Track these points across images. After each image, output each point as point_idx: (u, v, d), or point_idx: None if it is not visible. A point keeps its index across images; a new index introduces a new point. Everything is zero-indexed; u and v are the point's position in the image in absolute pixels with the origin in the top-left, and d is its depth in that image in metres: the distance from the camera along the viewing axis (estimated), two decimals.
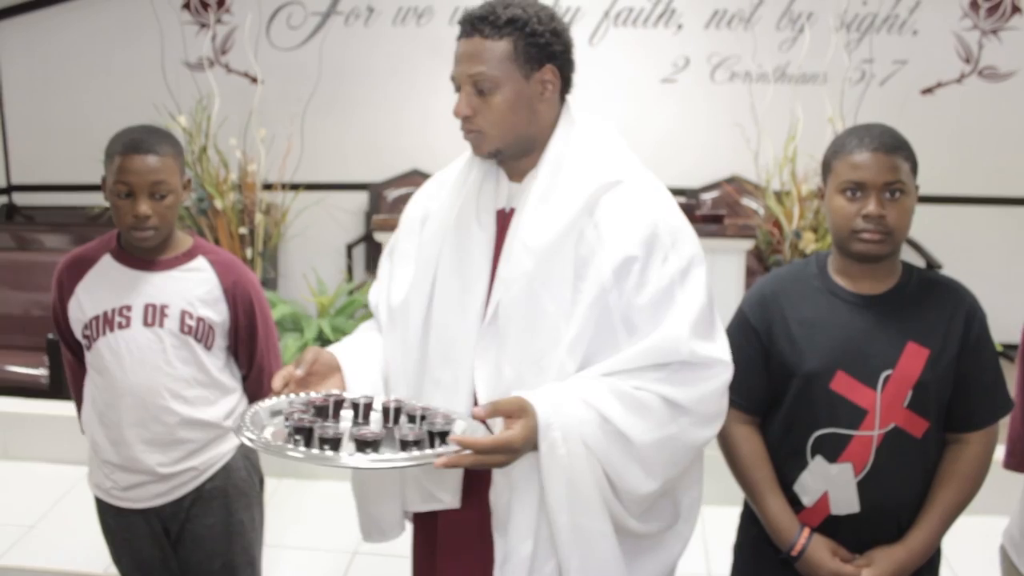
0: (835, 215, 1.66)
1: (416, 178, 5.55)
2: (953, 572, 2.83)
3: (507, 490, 1.51)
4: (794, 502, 1.72)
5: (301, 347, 4.09)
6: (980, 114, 5.15)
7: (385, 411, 1.48)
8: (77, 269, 1.99)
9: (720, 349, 1.52)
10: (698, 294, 1.49)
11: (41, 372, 4.02)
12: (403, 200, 5.35)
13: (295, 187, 5.04)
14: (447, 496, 1.60)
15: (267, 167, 4.92)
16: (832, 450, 1.66)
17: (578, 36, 1.72)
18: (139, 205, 1.86)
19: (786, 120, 4.78)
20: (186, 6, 5.53)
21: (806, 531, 1.69)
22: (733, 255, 3.46)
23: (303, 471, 3.58)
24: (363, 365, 1.65)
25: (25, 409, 3.84)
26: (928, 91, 5.21)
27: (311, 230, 5.30)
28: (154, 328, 1.93)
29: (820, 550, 1.67)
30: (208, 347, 1.97)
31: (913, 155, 1.66)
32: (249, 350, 2.04)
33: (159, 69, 5.24)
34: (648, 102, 5.31)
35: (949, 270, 2.53)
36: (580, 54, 1.61)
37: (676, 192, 2.60)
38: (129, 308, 1.93)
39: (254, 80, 5.32)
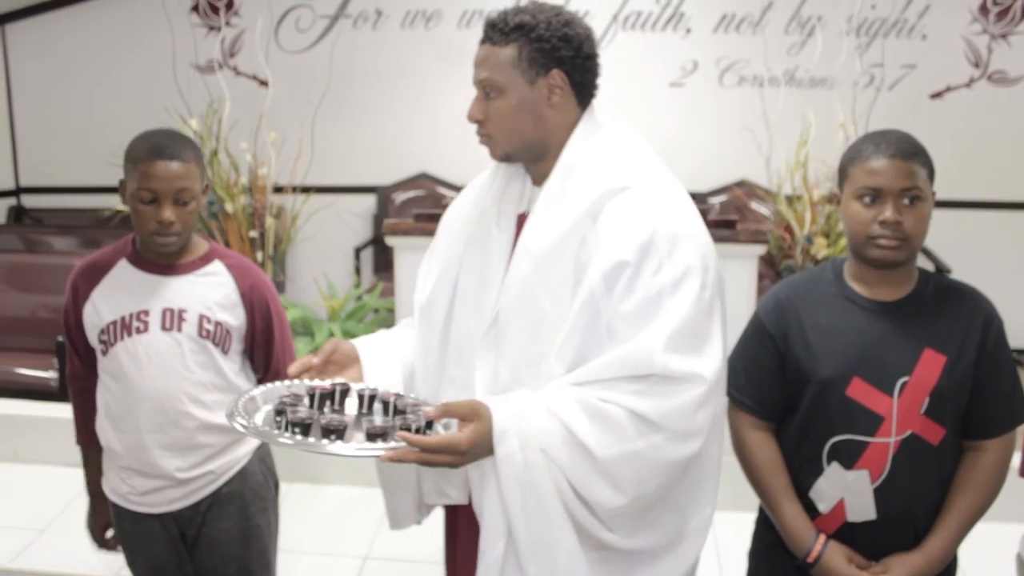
0: (851, 221, 1.66)
1: (424, 181, 5.55)
2: None
3: (479, 491, 1.52)
4: (810, 508, 1.71)
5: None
6: (989, 118, 5.14)
7: (360, 399, 1.55)
8: (93, 274, 1.98)
9: (703, 364, 1.45)
10: (684, 306, 1.44)
11: (50, 375, 4.00)
12: (411, 203, 5.39)
13: (306, 190, 5.05)
14: (454, 492, 1.64)
15: (277, 170, 4.92)
16: (848, 457, 1.66)
17: None
18: (163, 211, 1.85)
19: (796, 124, 4.77)
20: (195, 8, 5.53)
21: (822, 538, 1.68)
22: (745, 260, 3.43)
23: (315, 476, 3.60)
24: (383, 358, 1.68)
25: (34, 412, 3.84)
26: (937, 95, 5.19)
27: (320, 233, 5.30)
28: (172, 332, 1.92)
29: (836, 557, 1.67)
30: (225, 351, 1.97)
31: (930, 161, 1.65)
32: (265, 353, 2.04)
33: (169, 71, 5.25)
34: (656, 106, 5.29)
35: (958, 275, 2.52)
36: None
37: None
38: (147, 313, 1.93)
39: (263, 83, 5.33)
